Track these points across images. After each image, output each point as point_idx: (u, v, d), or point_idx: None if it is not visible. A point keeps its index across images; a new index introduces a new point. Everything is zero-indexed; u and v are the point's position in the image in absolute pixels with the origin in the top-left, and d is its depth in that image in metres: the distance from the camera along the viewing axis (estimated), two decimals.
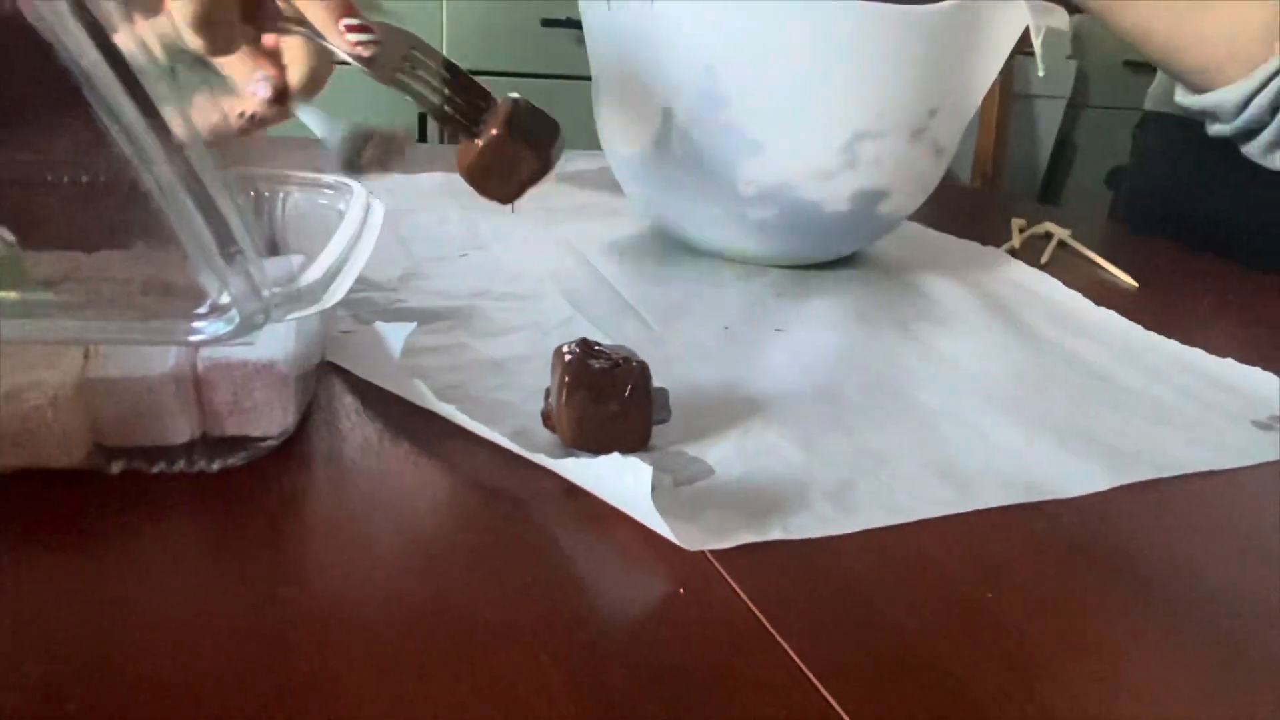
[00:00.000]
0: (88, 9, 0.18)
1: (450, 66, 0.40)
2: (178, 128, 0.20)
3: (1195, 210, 0.84)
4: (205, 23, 0.36)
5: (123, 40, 0.19)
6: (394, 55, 0.38)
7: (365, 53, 0.37)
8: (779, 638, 0.25)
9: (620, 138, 0.56)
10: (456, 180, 0.69)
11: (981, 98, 0.55)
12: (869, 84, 0.48)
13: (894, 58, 0.48)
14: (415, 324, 0.36)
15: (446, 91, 0.39)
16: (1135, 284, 0.63)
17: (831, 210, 0.53)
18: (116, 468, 0.28)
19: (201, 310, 0.24)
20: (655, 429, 0.33)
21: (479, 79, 0.40)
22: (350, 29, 0.36)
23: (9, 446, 0.27)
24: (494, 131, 0.39)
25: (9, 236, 0.28)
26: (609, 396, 0.31)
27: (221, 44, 0.38)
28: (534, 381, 0.37)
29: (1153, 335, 0.52)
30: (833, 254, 0.59)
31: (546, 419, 0.33)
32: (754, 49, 0.47)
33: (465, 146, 0.40)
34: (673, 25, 0.48)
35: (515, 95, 0.40)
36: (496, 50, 1.57)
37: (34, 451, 0.27)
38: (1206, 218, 0.82)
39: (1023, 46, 0.50)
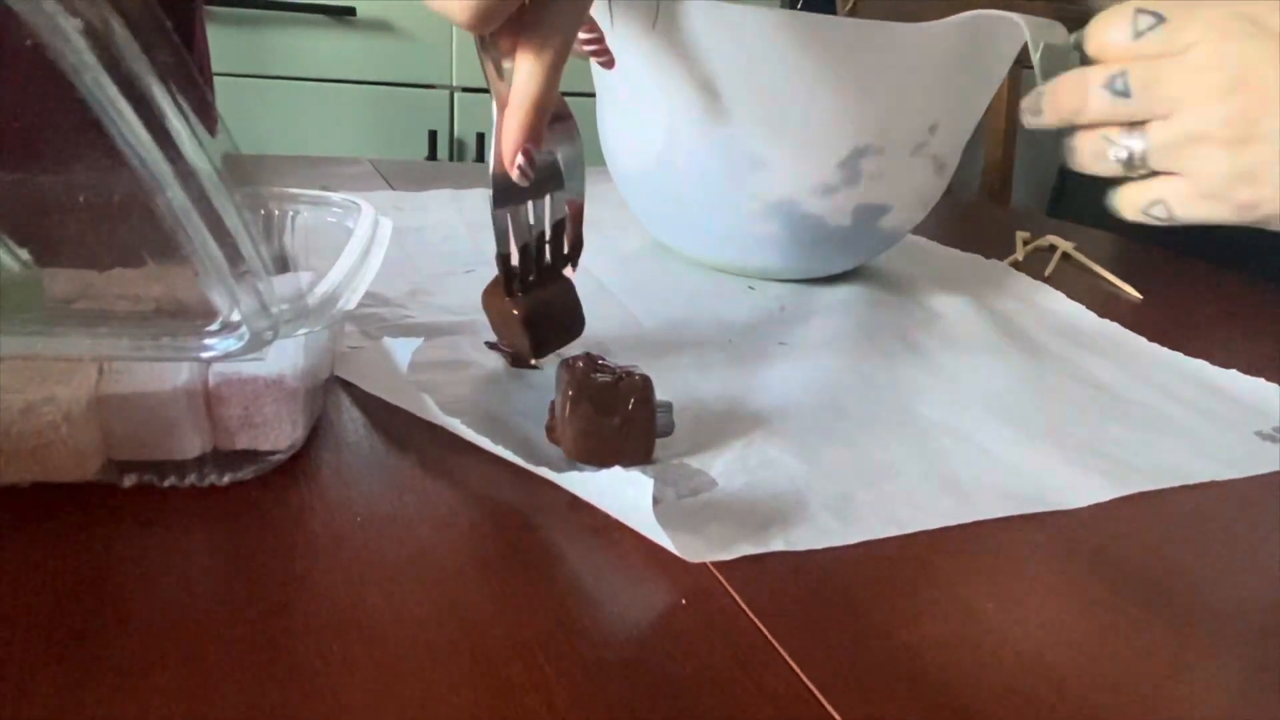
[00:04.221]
0: (106, 46, 0.19)
1: (559, 227, 0.39)
2: (190, 153, 0.21)
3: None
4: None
5: (138, 74, 0.19)
6: (538, 188, 0.38)
7: (516, 178, 0.36)
8: (780, 648, 0.25)
9: (625, 154, 0.57)
10: (462, 197, 0.70)
11: (982, 113, 0.55)
12: (869, 100, 0.49)
13: (894, 74, 0.48)
14: (422, 339, 0.36)
15: (536, 240, 0.39)
16: (1139, 295, 0.64)
17: (834, 225, 0.53)
18: (129, 481, 0.29)
19: (212, 327, 0.25)
20: (658, 442, 0.33)
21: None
22: (527, 156, 0.35)
23: (24, 460, 0.27)
24: (515, 311, 0.38)
25: (26, 256, 0.29)
26: (612, 410, 0.32)
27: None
28: (539, 395, 0.38)
29: (1156, 347, 0.52)
30: (835, 268, 0.59)
31: (551, 432, 0.34)
32: (754, 66, 0.48)
33: (498, 291, 0.40)
34: (674, 44, 0.49)
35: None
36: None
37: (48, 465, 0.28)
38: (1209, 229, 0.82)
39: (1029, 60, 0.50)
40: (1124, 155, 0.37)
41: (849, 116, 0.49)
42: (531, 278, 0.39)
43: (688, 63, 0.49)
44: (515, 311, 0.38)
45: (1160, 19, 0.36)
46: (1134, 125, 0.37)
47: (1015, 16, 0.46)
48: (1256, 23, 0.35)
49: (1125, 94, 0.37)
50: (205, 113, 0.22)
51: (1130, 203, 0.39)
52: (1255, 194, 0.37)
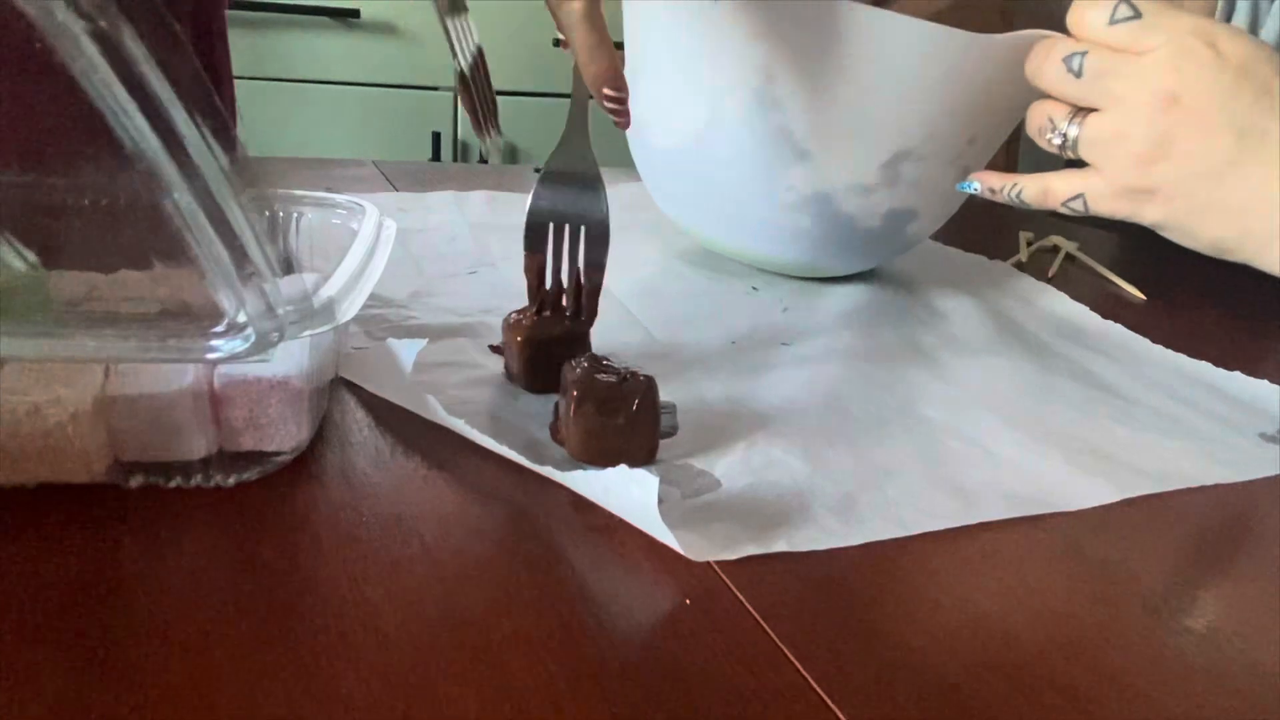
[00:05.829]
0: (116, 49, 0.19)
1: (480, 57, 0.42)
2: (196, 156, 0.21)
3: None
4: None
5: (147, 77, 0.19)
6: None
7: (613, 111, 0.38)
8: (783, 648, 0.25)
9: (658, 130, 0.55)
10: (465, 198, 0.70)
11: (1010, 131, 0.55)
12: (921, 105, 0.48)
13: (948, 82, 0.47)
14: (426, 340, 0.37)
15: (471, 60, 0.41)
16: (1142, 297, 0.64)
17: (864, 226, 0.53)
18: (135, 482, 0.29)
19: (218, 329, 0.25)
20: (662, 442, 0.33)
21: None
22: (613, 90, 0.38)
23: (31, 462, 0.27)
24: (518, 337, 0.38)
25: (32, 258, 0.29)
26: (616, 410, 0.32)
27: None
28: (543, 397, 0.38)
29: (1159, 348, 0.52)
30: (852, 269, 0.58)
31: (555, 433, 0.34)
32: (815, 57, 0.47)
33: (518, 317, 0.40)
34: (734, 24, 0.47)
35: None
36: (507, 70, 1.59)
37: (55, 466, 0.28)
38: None
39: None
40: (1059, 141, 0.39)
41: (899, 118, 0.48)
42: (564, 306, 0.40)
43: (746, 42, 0.47)
44: (519, 337, 0.38)
45: (1137, 14, 0.36)
46: (1077, 112, 0.38)
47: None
48: (1217, 48, 0.36)
49: (1077, 74, 0.38)
50: (219, 122, 0.22)
51: (1054, 195, 0.41)
52: (1154, 212, 0.38)
